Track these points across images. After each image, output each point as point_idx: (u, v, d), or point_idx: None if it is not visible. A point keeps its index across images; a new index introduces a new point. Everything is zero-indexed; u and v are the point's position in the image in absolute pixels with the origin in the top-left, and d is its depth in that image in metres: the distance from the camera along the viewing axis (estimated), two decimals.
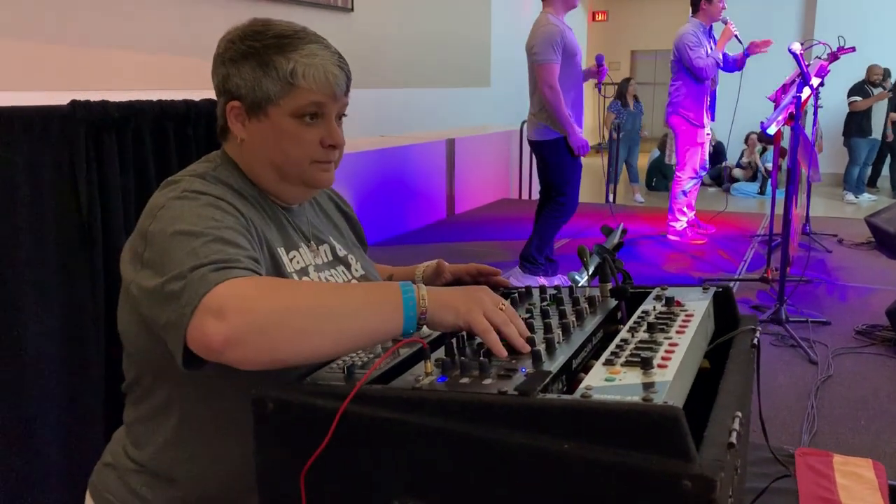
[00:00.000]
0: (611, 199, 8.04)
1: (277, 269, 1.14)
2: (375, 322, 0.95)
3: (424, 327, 1.01)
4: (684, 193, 5.74)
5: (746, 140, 9.31)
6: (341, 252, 1.31)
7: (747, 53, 5.43)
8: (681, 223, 5.79)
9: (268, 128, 1.15)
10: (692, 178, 5.70)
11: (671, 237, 5.84)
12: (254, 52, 1.13)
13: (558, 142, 4.21)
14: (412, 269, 1.47)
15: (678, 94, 5.54)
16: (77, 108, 1.77)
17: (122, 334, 1.16)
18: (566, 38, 4.10)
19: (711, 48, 5.43)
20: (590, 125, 13.27)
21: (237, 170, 1.19)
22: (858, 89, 8.43)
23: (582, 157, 4.32)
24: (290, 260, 1.18)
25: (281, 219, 1.22)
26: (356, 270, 1.32)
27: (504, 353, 0.94)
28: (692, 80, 5.43)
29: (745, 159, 9.32)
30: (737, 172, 9.23)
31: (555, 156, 4.28)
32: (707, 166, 5.96)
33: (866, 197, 8.54)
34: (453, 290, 1.00)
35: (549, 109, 4.16)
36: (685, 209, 5.80)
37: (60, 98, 1.81)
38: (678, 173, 5.78)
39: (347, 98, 1.20)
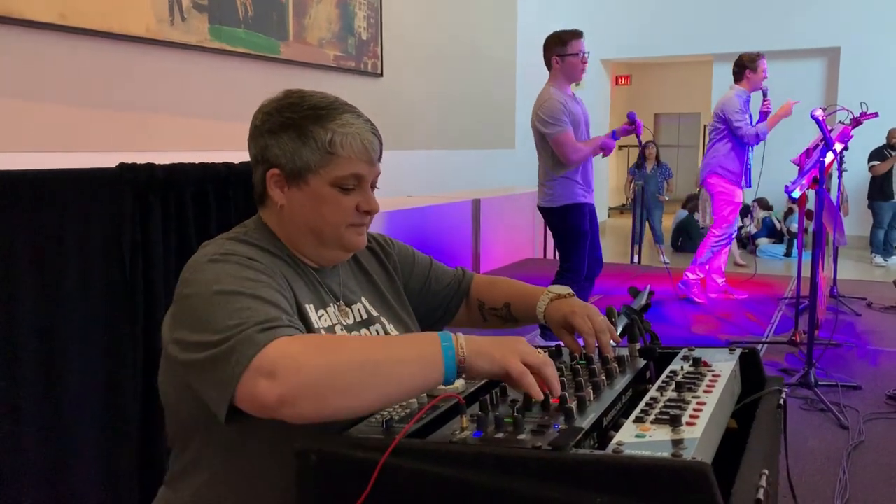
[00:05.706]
0: (635, 259, 8.04)
1: (306, 325, 1.17)
2: (418, 374, 0.98)
3: (459, 381, 1.05)
4: (713, 251, 5.74)
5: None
6: (374, 313, 1.34)
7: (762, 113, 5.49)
8: (694, 276, 5.78)
9: (307, 195, 1.20)
10: (726, 235, 5.69)
11: (680, 286, 5.81)
12: (292, 123, 1.18)
13: (564, 209, 4.23)
14: (533, 300, 1.42)
15: (717, 154, 5.56)
16: (124, 171, 1.86)
17: (161, 394, 1.21)
18: (569, 108, 4.16)
19: (749, 118, 5.49)
20: (613, 186, 13.40)
21: (270, 234, 1.24)
22: (877, 153, 8.42)
23: (599, 219, 4.31)
24: (319, 317, 1.21)
25: (312, 278, 1.26)
26: (390, 332, 1.34)
27: (541, 394, 0.98)
28: (735, 141, 5.47)
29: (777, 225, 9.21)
30: (762, 241, 9.16)
31: (561, 222, 4.29)
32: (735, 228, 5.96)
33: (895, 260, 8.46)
34: (490, 339, 1.03)
35: (581, 160, 4.20)
36: (706, 266, 5.80)
37: (108, 159, 1.90)
38: (713, 229, 5.77)
39: (379, 166, 1.25)
